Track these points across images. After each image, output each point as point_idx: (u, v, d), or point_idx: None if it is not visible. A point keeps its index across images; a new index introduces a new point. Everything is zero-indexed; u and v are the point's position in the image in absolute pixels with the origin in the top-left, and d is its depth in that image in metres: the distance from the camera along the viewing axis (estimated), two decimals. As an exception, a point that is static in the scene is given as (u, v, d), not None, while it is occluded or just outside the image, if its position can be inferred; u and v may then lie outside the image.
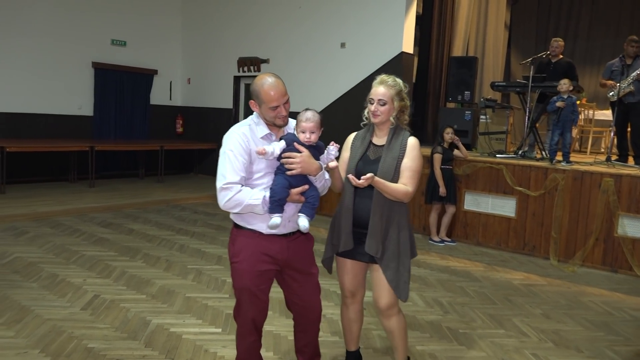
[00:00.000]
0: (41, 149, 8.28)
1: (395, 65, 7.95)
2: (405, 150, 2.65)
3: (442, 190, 6.18)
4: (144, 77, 10.67)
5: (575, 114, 6.19)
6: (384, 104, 2.63)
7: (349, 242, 2.67)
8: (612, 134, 6.90)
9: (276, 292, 2.85)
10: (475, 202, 6.56)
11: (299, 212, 2.50)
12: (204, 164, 11.18)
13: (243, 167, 2.39)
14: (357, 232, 2.66)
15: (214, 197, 9.62)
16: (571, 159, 6.31)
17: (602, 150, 8.94)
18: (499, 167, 6.34)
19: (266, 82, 2.39)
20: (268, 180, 2.45)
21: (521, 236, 6.22)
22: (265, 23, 9.82)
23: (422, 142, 5.74)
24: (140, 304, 4.03)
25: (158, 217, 7.16)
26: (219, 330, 3.63)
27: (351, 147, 2.79)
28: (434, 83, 9.70)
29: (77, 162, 9.07)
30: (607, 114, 8.83)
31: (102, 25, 9.83)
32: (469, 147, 7.43)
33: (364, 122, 2.79)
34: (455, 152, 6.45)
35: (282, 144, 2.42)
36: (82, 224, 6.48)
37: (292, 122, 2.59)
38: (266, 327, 3.09)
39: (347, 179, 2.54)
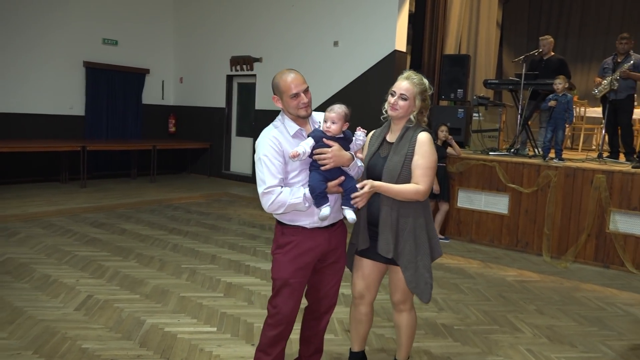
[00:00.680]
0: (32, 149, 8.22)
1: (388, 64, 7.97)
2: (414, 146, 2.58)
3: (436, 187, 6.19)
4: (136, 77, 10.61)
5: (570, 112, 6.20)
6: (405, 99, 2.59)
7: (365, 240, 2.66)
8: (603, 131, 6.95)
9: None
10: (469, 200, 6.59)
11: (342, 205, 2.52)
12: (197, 163, 11.14)
13: (280, 170, 2.44)
14: (372, 231, 2.65)
15: (207, 196, 9.54)
16: (563, 156, 6.35)
17: (594, 147, 9.01)
18: (492, 164, 6.36)
19: (284, 73, 2.48)
20: (303, 177, 2.48)
21: (514, 233, 6.24)
22: (258, 21, 9.80)
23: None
24: (134, 303, 4.01)
25: (151, 217, 7.13)
26: (214, 329, 3.62)
27: (369, 144, 2.77)
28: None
29: (68, 162, 9.01)
30: (598, 111, 8.89)
31: (94, 24, 9.76)
32: (462, 144, 7.45)
33: (384, 116, 2.75)
34: (449, 149, 6.47)
35: (311, 141, 2.45)
36: (74, 225, 6.43)
37: (320, 117, 2.61)
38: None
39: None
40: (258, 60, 9.83)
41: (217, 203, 8.45)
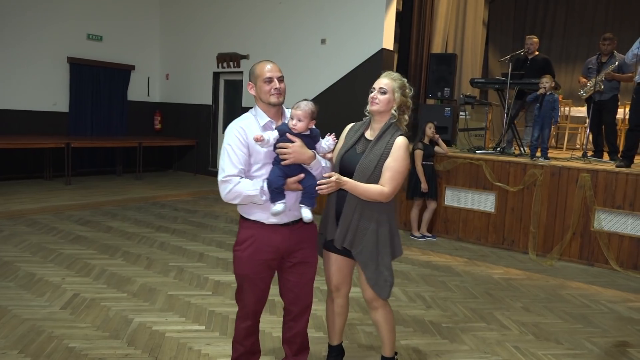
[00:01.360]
0: (15, 145, 8.09)
1: (376, 62, 7.98)
2: (390, 149, 2.60)
3: (424, 186, 6.23)
4: (121, 73, 10.49)
5: (556, 112, 6.26)
6: (384, 93, 2.63)
7: (333, 230, 2.67)
8: (587, 131, 7.03)
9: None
10: (456, 198, 6.63)
11: (300, 202, 2.52)
12: (183, 160, 11.06)
13: (241, 161, 2.44)
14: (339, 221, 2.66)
15: (194, 194, 9.44)
16: (549, 154, 6.42)
17: (578, 146, 9.12)
18: (478, 163, 6.41)
19: (261, 61, 2.54)
20: (266, 171, 2.48)
21: (500, 231, 6.30)
22: (245, 18, 9.74)
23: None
24: (121, 302, 3.97)
25: (137, 215, 7.06)
26: (203, 327, 3.60)
27: (345, 138, 2.79)
28: (414, 80, 9.73)
29: (52, 159, 8.89)
30: (582, 111, 9.00)
31: (78, 19, 9.62)
32: (449, 143, 7.50)
33: (366, 116, 2.78)
34: (436, 148, 6.50)
35: (276, 133, 2.45)
36: (58, 222, 6.35)
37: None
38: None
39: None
40: (245, 57, 9.78)
41: (204, 200, 8.40)
